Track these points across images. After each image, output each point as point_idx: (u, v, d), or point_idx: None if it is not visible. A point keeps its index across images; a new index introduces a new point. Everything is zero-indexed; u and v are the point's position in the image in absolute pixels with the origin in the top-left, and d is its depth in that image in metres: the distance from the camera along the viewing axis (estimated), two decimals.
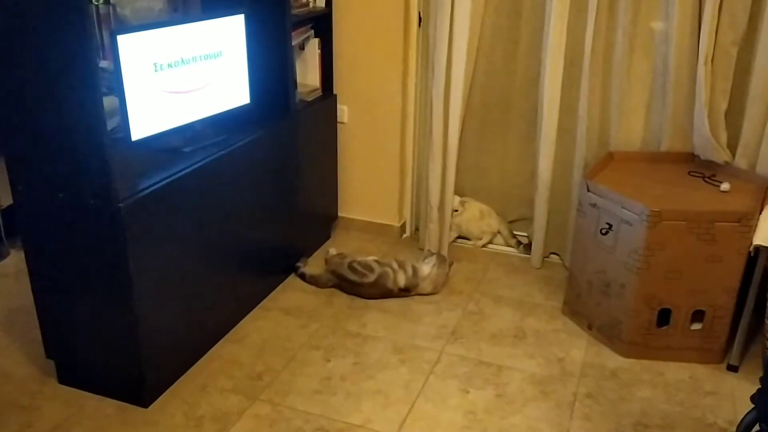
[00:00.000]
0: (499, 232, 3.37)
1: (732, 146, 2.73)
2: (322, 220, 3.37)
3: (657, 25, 2.74)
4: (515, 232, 3.38)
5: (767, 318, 2.35)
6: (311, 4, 3.07)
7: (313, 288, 2.99)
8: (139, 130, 2.21)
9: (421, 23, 3.11)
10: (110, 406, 2.28)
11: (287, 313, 2.82)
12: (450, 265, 2.98)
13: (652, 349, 2.53)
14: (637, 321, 2.49)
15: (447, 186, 3.15)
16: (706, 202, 2.47)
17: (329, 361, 2.52)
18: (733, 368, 2.49)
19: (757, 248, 2.31)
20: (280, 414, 2.26)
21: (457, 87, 2.97)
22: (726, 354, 2.53)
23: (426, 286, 2.91)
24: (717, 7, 2.53)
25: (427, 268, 2.93)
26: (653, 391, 2.39)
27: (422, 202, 3.31)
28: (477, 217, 3.34)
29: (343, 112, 3.30)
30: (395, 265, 2.93)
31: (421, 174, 3.35)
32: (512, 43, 3.07)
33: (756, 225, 2.34)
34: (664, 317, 2.50)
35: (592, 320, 2.67)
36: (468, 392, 2.37)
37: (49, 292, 2.22)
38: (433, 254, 3.01)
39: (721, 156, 2.70)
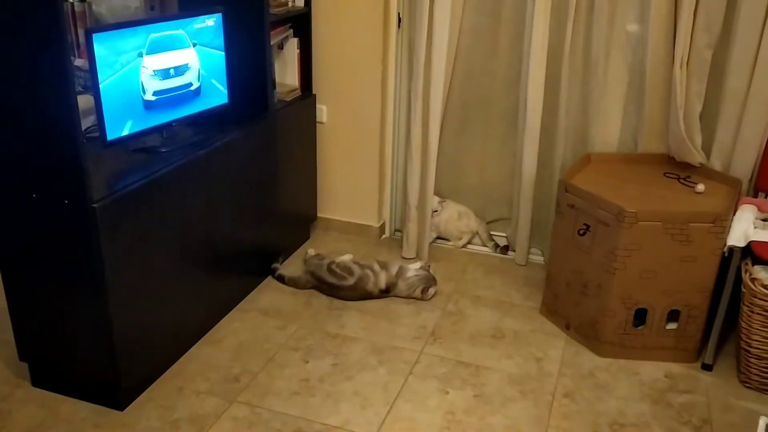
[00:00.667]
0: (477, 233, 3.38)
1: (707, 148, 2.77)
2: (301, 221, 3.36)
3: (633, 27, 2.77)
4: (493, 233, 3.40)
5: (741, 318, 2.38)
6: (290, 4, 3.06)
7: (291, 289, 2.98)
8: (114, 130, 2.18)
9: (401, 24, 3.11)
10: (85, 409, 2.25)
11: (265, 314, 2.80)
12: (430, 287, 2.92)
13: (628, 348, 2.55)
14: (614, 321, 2.52)
15: (426, 186, 3.15)
16: (682, 203, 2.50)
17: (308, 362, 2.51)
18: (707, 367, 2.52)
19: (731, 249, 2.34)
20: (258, 416, 2.24)
21: (436, 87, 2.98)
22: (700, 353, 2.56)
23: (403, 288, 2.90)
24: (692, 10, 2.56)
25: (412, 272, 2.92)
26: (629, 390, 2.41)
27: (402, 202, 3.31)
28: (455, 218, 3.35)
29: (322, 112, 3.29)
30: (377, 267, 2.92)
31: (400, 174, 3.35)
32: (491, 44, 3.09)
33: (729, 226, 2.38)
34: (640, 317, 2.52)
35: (570, 320, 2.69)
36: (447, 393, 2.37)
37: (23, 293, 2.19)
38: (426, 269, 2.97)
39: (696, 158, 2.73)
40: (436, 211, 3.28)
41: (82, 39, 2.47)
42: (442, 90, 3.00)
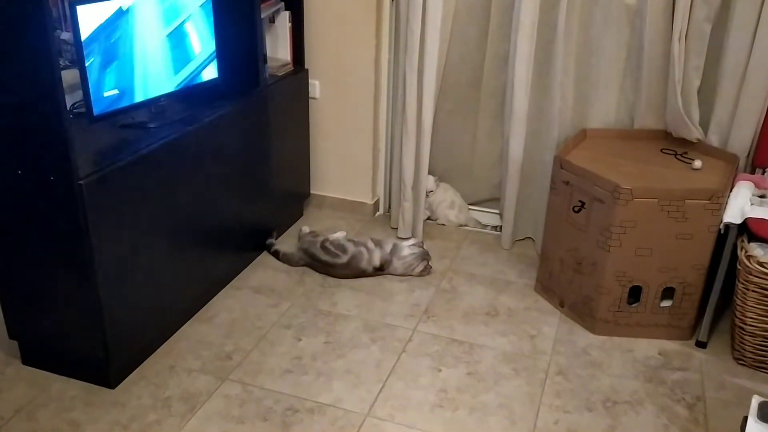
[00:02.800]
0: (465, 225, 3.35)
1: (704, 123, 2.73)
2: (295, 198, 3.33)
3: (631, 0, 2.71)
4: (487, 210, 3.36)
5: (736, 295, 2.37)
6: None
7: (284, 266, 2.96)
8: (101, 105, 2.14)
9: None
10: (75, 387, 2.24)
11: (258, 291, 2.78)
12: (427, 267, 2.92)
13: (622, 326, 2.54)
14: (608, 298, 2.50)
15: (421, 165, 3.11)
16: (678, 179, 2.47)
17: (300, 340, 2.50)
18: (701, 345, 2.51)
19: (727, 226, 2.32)
20: (250, 394, 2.23)
21: (430, 64, 2.92)
22: (695, 331, 2.55)
23: (398, 266, 2.88)
24: None
25: (407, 251, 2.90)
26: (623, 368, 2.40)
27: (396, 179, 3.28)
28: (447, 205, 3.31)
29: (315, 87, 3.24)
30: (371, 244, 2.89)
31: (394, 151, 3.30)
32: (485, 21, 3.02)
33: (726, 203, 2.35)
34: (634, 294, 2.51)
35: (564, 298, 2.67)
36: (440, 371, 2.36)
37: (10, 270, 2.16)
38: (420, 247, 2.95)
39: (693, 133, 2.70)
40: (432, 191, 3.25)
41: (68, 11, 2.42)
42: (436, 65, 2.94)
